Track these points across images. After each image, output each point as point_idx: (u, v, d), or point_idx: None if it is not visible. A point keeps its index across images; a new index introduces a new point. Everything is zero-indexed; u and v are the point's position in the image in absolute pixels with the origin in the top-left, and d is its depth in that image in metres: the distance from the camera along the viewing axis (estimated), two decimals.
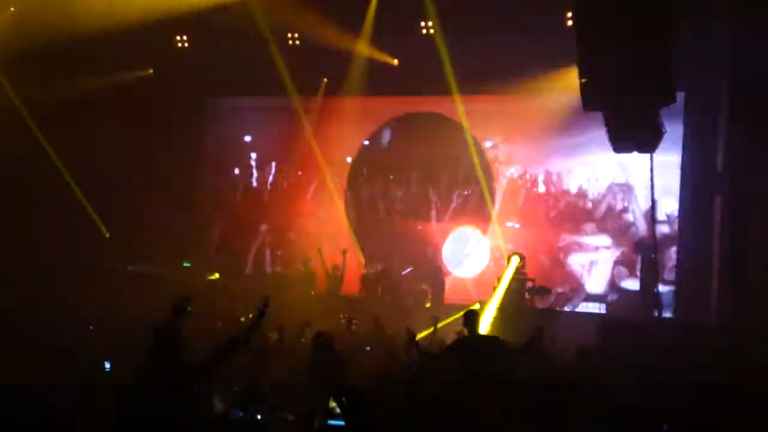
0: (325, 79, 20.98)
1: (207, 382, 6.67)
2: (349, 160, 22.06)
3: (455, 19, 18.53)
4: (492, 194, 20.57)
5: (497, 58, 18.10)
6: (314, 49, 19.62)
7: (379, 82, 20.21)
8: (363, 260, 20.50)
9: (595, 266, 19.39)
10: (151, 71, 21.22)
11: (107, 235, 20.19)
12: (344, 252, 19.41)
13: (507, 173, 20.43)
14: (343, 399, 3.03)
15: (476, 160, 20.41)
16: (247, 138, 22.70)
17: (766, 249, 13.41)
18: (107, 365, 8.38)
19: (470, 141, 20.35)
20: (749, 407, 7.94)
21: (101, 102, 19.37)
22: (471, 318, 10.20)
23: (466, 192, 20.85)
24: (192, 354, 7.44)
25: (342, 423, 3.04)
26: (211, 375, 6.70)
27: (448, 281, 19.64)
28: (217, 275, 20.50)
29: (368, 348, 10.49)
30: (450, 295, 19.17)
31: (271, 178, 22.81)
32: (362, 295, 18.95)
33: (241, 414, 7.19)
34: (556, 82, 17.44)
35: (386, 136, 21.61)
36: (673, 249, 18.03)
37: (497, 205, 20.48)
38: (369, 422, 3.08)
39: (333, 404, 2.93)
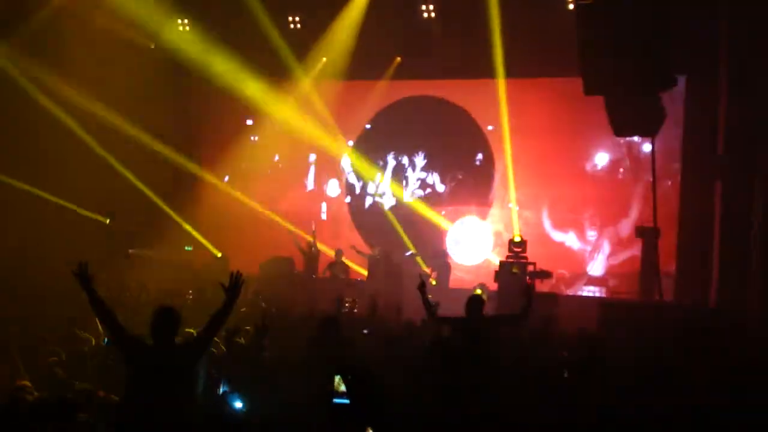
0: (324, 59, 20.86)
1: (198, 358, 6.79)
2: (350, 143, 22.06)
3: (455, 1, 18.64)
4: (492, 178, 20.60)
5: (497, 40, 18.15)
6: (317, 30, 19.74)
7: (380, 67, 20.28)
8: (364, 243, 20.64)
9: (597, 250, 19.44)
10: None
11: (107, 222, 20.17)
12: (313, 230, 19.68)
13: (506, 157, 20.41)
14: (350, 377, 3.07)
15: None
16: (249, 122, 22.64)
17: (765, 234, 13.43)
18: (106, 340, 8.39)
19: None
20: (749, 392, 7.97)
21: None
22: (475, 304, 10.17)
23: (459, 176, 20.93)
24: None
25: (347, 401, 3.08)
26: (203, 350, 6.84)
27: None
28: (220, 254, 20.64)
29: (365, 331, 10.48)
30: (453, 280, 19.19)
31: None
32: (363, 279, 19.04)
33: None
34: (556, 65, 17.45)
35: (388, 119, 21.57)
36: (674, 232, 18.08)
37: (496, 188, 20.52)
38: (375, 401, 3.11)
39: (338, 383, 2.96)
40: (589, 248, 19.62)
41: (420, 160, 21.38)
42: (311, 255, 19.38)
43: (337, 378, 3.18)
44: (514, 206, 20.17)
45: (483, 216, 20.68)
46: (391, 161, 21.73)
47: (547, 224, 20.06)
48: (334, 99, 21.32)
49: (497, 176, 20.57)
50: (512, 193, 20.09)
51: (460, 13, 18.76)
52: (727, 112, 15.25)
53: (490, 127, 20.59)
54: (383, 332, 10.55)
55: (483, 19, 18.03)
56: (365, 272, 19.17)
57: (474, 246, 20.72)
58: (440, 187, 21.22)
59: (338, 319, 9.45)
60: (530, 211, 20.20)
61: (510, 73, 18.78)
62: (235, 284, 6.79)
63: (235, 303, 6.85)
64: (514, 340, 10.32)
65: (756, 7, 13.88)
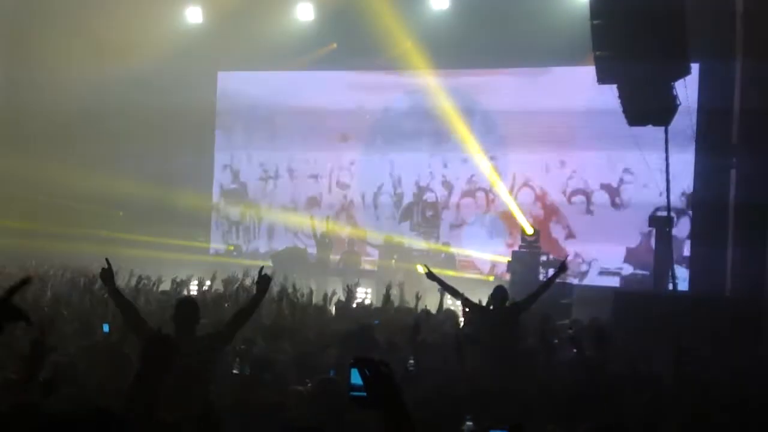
0: (334, 45, 20.76)
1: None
2: (361, 132, 22.06)
3: None
4: (503, 168, 20.56)
5: (509, 31, 18.09)
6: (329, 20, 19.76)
7: (391, 56, 20.24)
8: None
9: (610, 240, 19.36)
10: None
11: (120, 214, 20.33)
12: (327, 218, 19.88)
13: (518, 147, 20.37)
14: (366, 371, 3.03)
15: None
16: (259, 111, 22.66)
17: None
18: (106, 328, 8.35)
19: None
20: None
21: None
22: (500, 293, 10.31)
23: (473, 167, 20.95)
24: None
25: (364, 394, 3.04)
26: (225, 344, 6.93)
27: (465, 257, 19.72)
28: (232, 247, 20.77)
29: (376, 322, 10.48)
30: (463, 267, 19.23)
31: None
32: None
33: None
34: (569, 54, 17.39)
35: (400, 108, 21.52)
36: (688, 222, 18.02)
37: (509, 180, 20.46)
38: (391, 395, 3.07)
39: (354, 376, 2.93)
40: (601, 237, 19.55)
41: (429, 148, 21.49)
42: (325, 244, 19.45)
43: (354, 371, 3.13)
44: (525, 198, 20.16)
45: (494, 204, 20.65)
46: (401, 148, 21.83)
47: (558, 212, 20.03)
48: (343, 87, 21.37)
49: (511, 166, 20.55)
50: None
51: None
52: (741, 99, 15.15)
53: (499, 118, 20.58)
54: (397, 323, 10.52)
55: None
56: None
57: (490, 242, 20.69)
58: (450, 176, 21.25)
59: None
60: (541, 200, 20.17)
61: (519, 63, 18.79)
62: (263, 281, 6.89)
63: (262, 300, 7.05)
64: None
65: None
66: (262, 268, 7.08)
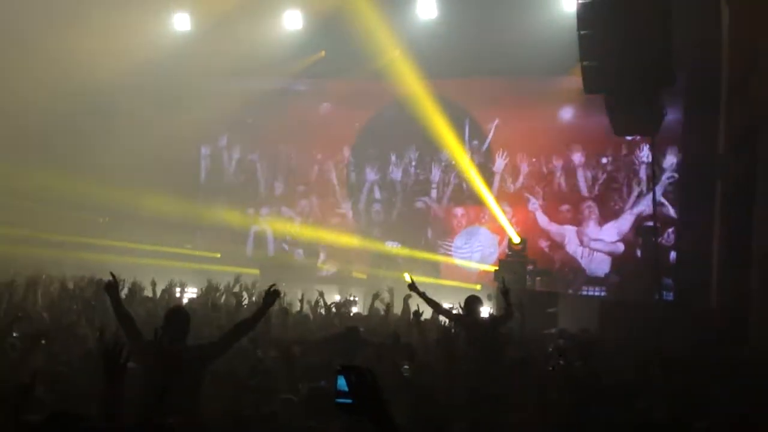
0: (323, 53, 20.73)
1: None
2: (349, 140, 22.11)
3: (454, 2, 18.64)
4: (491, 177, 20.61)
5: (497, 39, 18.15)
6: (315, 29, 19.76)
7: (379, 64, 20.26)
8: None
9: (596, 249, 19.43)
10: None
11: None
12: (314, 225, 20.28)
13: (505, 155, 20.44)
14: (353, 378, 3.04)
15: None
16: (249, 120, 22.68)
17: (767, 231, 13.40)
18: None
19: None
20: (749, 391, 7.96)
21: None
22: (473, 303, 10.33)
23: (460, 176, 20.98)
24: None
25: (350, 401, 3.05)
26: (220, 355, 6.93)
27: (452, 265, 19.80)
28: (219, 255, 20.77)
29: (362, 329, 10.50)
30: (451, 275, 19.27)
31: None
32: None
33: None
34: (557, 64, 17.46)
35: (389, 116, 21.54)
36: (674, 232, 18.09)
37: (496, 188, 20.52)
38: (378, 402, 3.09)
39: (340, 383, 2.94)
40: (588, 247, 19.61)
41: (420, 156, 21.49)
42: (312, 252, 19.52)
43: (340, 378, 3.14)
44: (512, 207, 20.22)
45: (482, 214, 20.68)
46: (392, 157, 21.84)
47: (544, 221, 20.07)
48: (335, 97, 21.41)
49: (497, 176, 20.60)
50: None
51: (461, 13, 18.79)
52: (728, 110, 15.21)
53: (489, 126, 20.63)
54: (381, 330, 10.56)
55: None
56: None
57: (479, 253, 20.69)
58: (442, 184, 21.29)
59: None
60: (528, 209, 20.23)
61: (505, 72, 18.85)
62: (271, 298, 6.98)
63: (265, 314, 7.14)
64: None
65: (757, 5, 13.84)
66: (273, 285, 7.12)
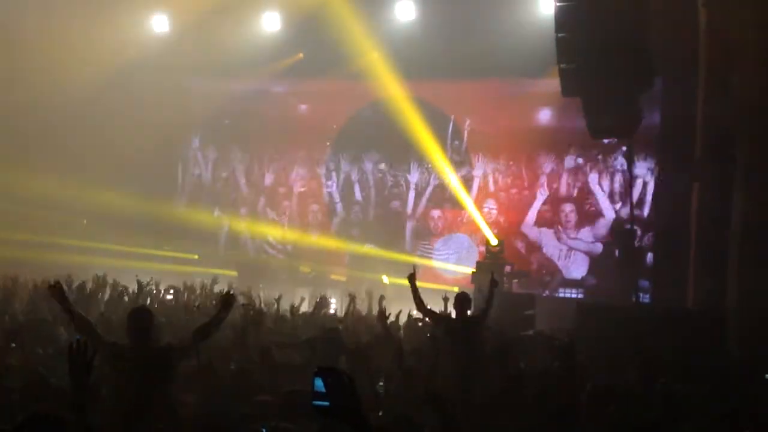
0: (301, 54, 20.68)
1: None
2: (328, 141, 22.10)
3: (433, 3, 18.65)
4: (470, 179, 20.64)
5: (475, 41, 18.16)
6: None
7: (357, 66, 20.24)
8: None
9: (573, 251, 19.49)
10: None
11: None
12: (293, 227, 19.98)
13: (482, 158, 20.49)
14: (330, 380, 3.03)
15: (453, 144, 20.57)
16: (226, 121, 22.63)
17: (744, 234, 13.47)
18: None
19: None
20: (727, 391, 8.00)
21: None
22: (462, 301, 10.34)
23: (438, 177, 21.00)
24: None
25: (327, 404, 3.04)
26: (185, 358, 6.87)
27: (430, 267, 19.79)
28: (197, 256, 20.70)
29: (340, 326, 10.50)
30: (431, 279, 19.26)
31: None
32: None
33: None
34: (535, 66, 17.50)
35: (367, 118, 21.53)
36: (651, 235, 18.14)
37: (474, 191, 20.55)
38: (354, 405, 3.08)
39: (317, 385, 2.92)
40: (566, 249, 19.67)
41: (398, 158, 21.47)
42: (290, 254, 19.49)
43: (317, 380, 3.13)
44: (490, 209, 20.23)
45: (461, 217, 20.70)
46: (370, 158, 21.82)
47: (522, 223, 20.12)
48: (314, 96, 21.38)
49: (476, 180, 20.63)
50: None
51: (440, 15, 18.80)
52: (704, 113, 15.27)
53: (467, 129, 20.65)
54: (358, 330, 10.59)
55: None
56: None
57: (459, 259, 20.68)
58: (420, 186, 21.30)
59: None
60: (505, 211, 20.27)
61: (483, 74, 18.87)
62: (227, 302, 6.91)
63: (224, 320, 6.98)
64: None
65: (733, 9, 13.91)
66: (229, 290, 7.15)
